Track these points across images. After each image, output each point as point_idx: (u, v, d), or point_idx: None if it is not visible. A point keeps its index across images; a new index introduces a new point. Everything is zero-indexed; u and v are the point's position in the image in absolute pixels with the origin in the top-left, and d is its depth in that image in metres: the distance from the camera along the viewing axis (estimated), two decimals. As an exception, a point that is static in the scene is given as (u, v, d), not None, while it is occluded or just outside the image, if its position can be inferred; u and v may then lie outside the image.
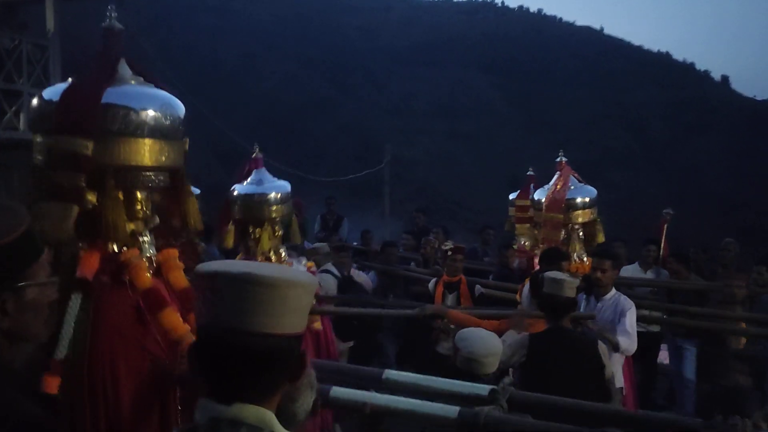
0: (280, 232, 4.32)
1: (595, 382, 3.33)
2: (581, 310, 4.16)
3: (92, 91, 2.38)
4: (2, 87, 8.44)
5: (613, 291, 4.31)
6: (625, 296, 4.36)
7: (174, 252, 2.56)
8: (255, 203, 4.26)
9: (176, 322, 2.34)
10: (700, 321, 5.07)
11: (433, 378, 2.54)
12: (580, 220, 5.17)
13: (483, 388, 2.39)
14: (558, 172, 5.48)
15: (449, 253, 5.52)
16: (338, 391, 2.32)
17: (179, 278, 2.51)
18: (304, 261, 5.06)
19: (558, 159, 5.61)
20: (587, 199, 5.26)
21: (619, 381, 4.01)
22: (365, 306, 5.22)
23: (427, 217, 9.75)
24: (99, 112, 2.33)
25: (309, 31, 36.57)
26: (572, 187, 5.29)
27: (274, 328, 1.15)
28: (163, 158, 2.44)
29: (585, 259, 5.02)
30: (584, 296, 4.40)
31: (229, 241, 4.34)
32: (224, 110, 21.94)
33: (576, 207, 5.19)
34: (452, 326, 4.92)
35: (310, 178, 16.15)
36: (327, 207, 9.63)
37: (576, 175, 5.52)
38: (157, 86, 2.53)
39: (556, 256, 4.40)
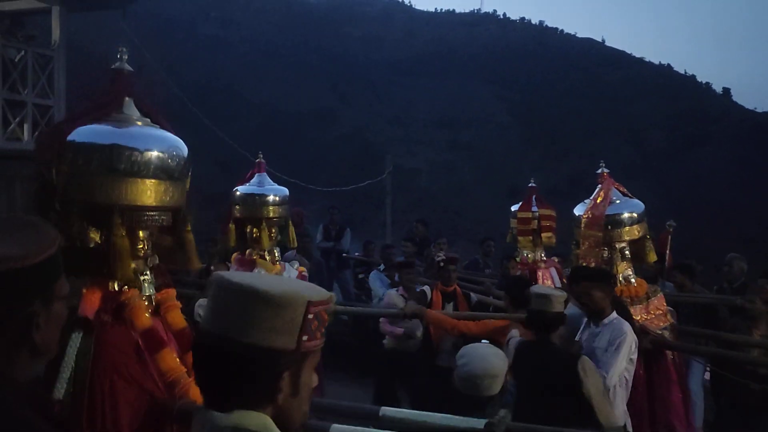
0: (277, 235, 4.58)
1: (570, 396, 3.28)
2: (580, 333, 4.04)
3: (70, 122, 2.43)
4: (7, 97, 8.46)
5: (613, 314, 3.99)
6: (624, 321, 4.01)
7: (172, 292, 2.60)
8: (254, 202, 4.56)
9: (173, 363, 2.38)
10: (711, 342, 4.87)
11: (429, 414, 2.57)
12: (626, 237, 4.66)
13: (478, 422, 2.41)
14: (599, 185, 4.98)
15: (442, 264, 5.54)
16: (338, 429, 2.33)
17: (177, 318, 2.55)
18: (296, 265, 5.30)
19: (599, 171, 5.13)
20: (634, 215, 4.73)
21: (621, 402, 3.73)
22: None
23: (428, 227, 9.76)
24: (61, 145, 2.38)
25: (310, 41, 36.74)
26: (617, 201, 4.78)
27: (247, 338, 1.17)
28: (167, 198, 2.49)
29: (633, 280, 4.59)
30: (585, 319, 4.12)
31: (232, 240, 4.59)
32: (225, 119, 21.99)
33: (621, 223, 4.68)
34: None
35: (311, 187, 16.15)
36: (329, 217, 9.64)
37: (621, 187, 5.03)
38: (163, 128, 2.57)
39: (583, 276, 4.02)
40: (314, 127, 30.72)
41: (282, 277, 4.24)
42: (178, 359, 2.41)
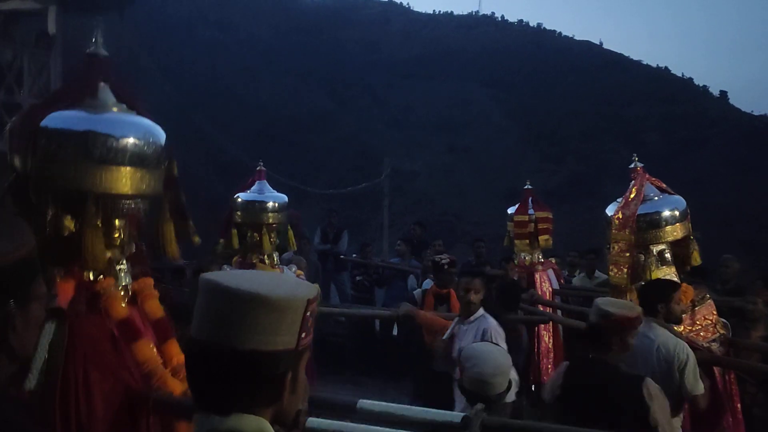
0: (276, 240, 4.80)
1: (633, 423, 2.86)
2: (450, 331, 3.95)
3: (41, 108, 2.39)
4: (3, 99, 8.45)
5: (480, 311, 4.03)
6: (492, 318, 4.05)
7: (149, 281, 2.56)
8: (255, 209, 4.77)
9: (149, 354, 2.34)
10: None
11: (407, 407, 2.58)
12: (668, 238, 4.18)
13: (456, 416, 2.41)
14: (632, 181, 4.51)
15: (446, 267, 5.51)
16: (314, 422, 2.30)
17: (154, 307, 2.51)
18: (294, 268, 5.43)
19: (632, 165, 4.64)
20: (676, 213, 4.24)
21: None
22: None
23: (426, 229, 9.77)
24: (33, 127, 2.33)
25: (308, 45, 36.75)
26: (655, 198, 4.32)
27: (243, 343, 1.15)
28: (144, 186, 2.44)
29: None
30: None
31: (235, 243, 4.79)
32: (223, 123, 22.00)
33: (660, 223, 4.18)
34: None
35: (309, 190, 16.16)
36: (327, 219, 9.64)
37: (658, 182, 4.54)
38: (139, 113, 2.52)
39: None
40: (312, 131, 30.70)
41: (274, 275, 4.25)
42: (155, 350, 2.37)
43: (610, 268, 4.22)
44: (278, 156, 24.01)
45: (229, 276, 1.24)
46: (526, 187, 6.73)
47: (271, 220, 4.78)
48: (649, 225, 4.17)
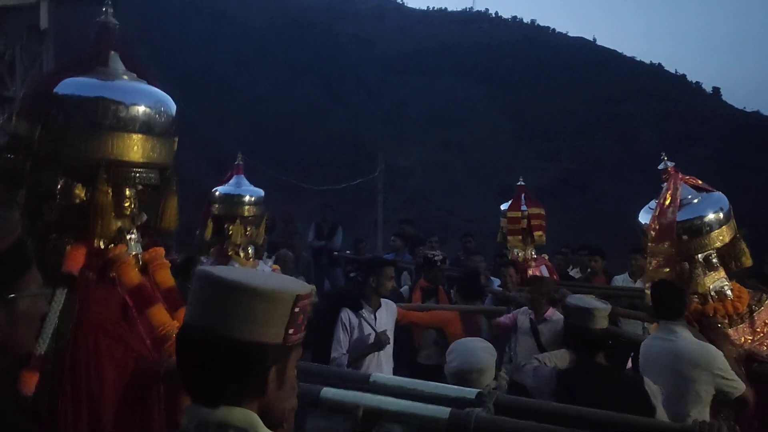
0: (253, 234, 4.97)
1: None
2: None
3: (54, 77, 2.37)
4: (-5, 92, 8.39)
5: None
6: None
7: (160, 251, 2.55)
8: (232, 201, 4.96)
9: (165, 318, 2.33)
10: None
11: (420, 381, 2.57)
12: (716, 244, 3.75)
13: (470, 392, 2.40)
14: (664, 184, 4.00)
15: (439, 264, 5.60)
16: (329, 392, 2.32)
17: (165, 277, 2.50)
18: (270, 262, 5.62)
19: (661, 166, 4.16)
20: (720, 214, 3.79)
21: None
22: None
23: (418, 225, 9.79)
24: (51, 95, 2.31)
25: (302, 39, 36.60)
26: (694, 201, 3.85)
27: (235, 333, 1.16)
28: (154, 155, 2.43)
29: (729, 291, 3.69)
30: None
31: (208, 234, 4.99)
32: (217, 117, 21.91)
33: (704, 229, 3.72)
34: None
35: (303, 186, 16.13)
36: (322, 215, 9.64)
37: (693, 180, 4.06)
38: (149, 83, 2.52)
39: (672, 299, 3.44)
40: (306, 126, 30.61)
41: (266, 271, 4.27)
42: (169, 315, 2.37)
43: (647, 286, 3.80)
44: (272, 150, 23.94)
45: (224, 268, 1.27)
46: (519, 183, 6.74)
47: (246, 213, 4.95)
48: (691, 233, 3.70)
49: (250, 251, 4.98)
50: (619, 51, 46.44)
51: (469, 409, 2.21)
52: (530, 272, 6.21)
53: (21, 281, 1.30)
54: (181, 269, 5.18)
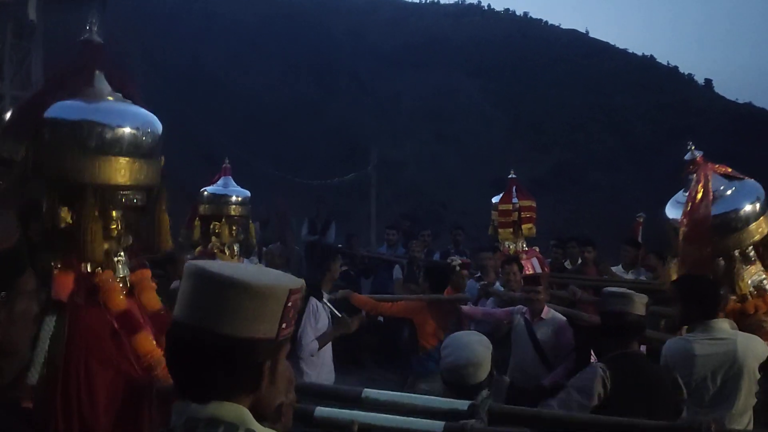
0: (239, 233, 5.13)
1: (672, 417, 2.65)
2: None
3: (41, 97, 2.35)
4: (-16, 90, 8.34)
5: None
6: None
7: (147, 272, 2.55)
8: (219, 201, 5.14)
9: (150, 346, 2.33)
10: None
11: (412, 395, 2.59)
12: (756, 237, 3.44)
13: (462, 403, 2.41)
14: (693, 175, 3.65)
15: (458, 269, 5.52)
16: (323, 411, 2.32)
17: (152, 300, 2.50)
18: (255, 260, 5.85)
19: (688, 156, 3.80)
20: (757, 205, 3.45)
21: None
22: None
23: (412, 219, 9.81)
24: (36, 118, 2.30)
25: (295, 33, 36.47)
26: (727, 192, 3.52)
27: (226, 329, 1.16)
28: (141, 177, 2.42)
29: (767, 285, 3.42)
30: None
31: (196, 233, 5.13)
32: (210, 113, 21.84)
33: (741, 222, 3.41)
34: None
35: (296, 180, 16.10)
36: (315, 210, 9.62)
37: (724, 168, 3.70)
38: (135, 103, 2.50)
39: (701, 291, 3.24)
40: (299, 120, 30.55)
41: (257, 266, 4.30)
42: (154, 342, 2.37)
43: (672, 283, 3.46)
44: (264, 145, 23.90)
45: (215, 264, 1.25)
46: (510, 176, 6.74)
47: (233, 212, 5.15)
48: (727, 229, 3.40)
49: (235, 249, 5.15)
50: (612, 43, 46.58)
51: (463, 421, 2.21)
52: (525, 269, 6.20)
53: (19, 281, 1.32)
54: (162, 266, 5.27)
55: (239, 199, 5.23)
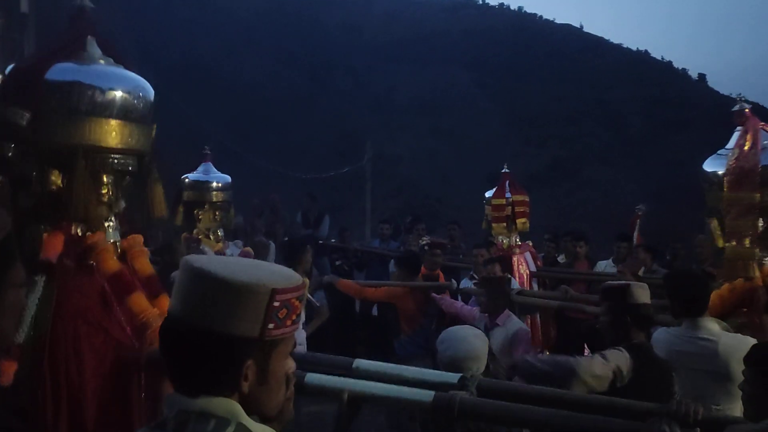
0: (220, 217, 5.30)
1: None
2: None
3: (39, 63, 2.33)
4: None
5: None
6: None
7: (139, 238, 2.53)
8: (201, 188, 5.32)
9: (145, 305, 2.33)
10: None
11: (403, 366, 2.60)
12: None
13: (452, 376, 2.42)
14: (738, 128, 3.74)
15: (427, 248, 5.70)
16: (313, 377, 2.35)
17: (144, 265, 2.49)
18: (240, 243, 6.02)
19: (736, 107, 3.91)
20: None
21: None
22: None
23: (406, 212, 9.82)
24: (40, 83, 2.28)
25: (289, 26, 36.33)
26: None
27: (217, 326, 1.15)
28: (132, 141, 2.41)
29: None
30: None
31: (179, 220, 5.27)
32: (203, 105, 21.71)
33: None
34: None
35: (290, 174, 16.06)
36: (306, 204, 9.63)
37: (765, 126, 3.73)
38: (127, 68, 2.48)
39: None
40: (294, 113, 30.45)
41: (251, 262, 4.27)
42: (148, 302, 2.35)
43: (725, 241, 3.45)
44: (259, 138, 23.82)
45: (205, 258, 1.25)
46: (503, 170, 6.75)
47: (214, 198, 5.31)
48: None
49: (219, 233, 5.31)
50: (606, 38, 46.54)
51: (453, 392, 2.24)
52: (514, 260, 6.20)
53: (8, 273, 1.31)
54: (161, 255, 5.30)
55: (220, 185, 5.39)
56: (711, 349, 3.09)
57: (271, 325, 1.18)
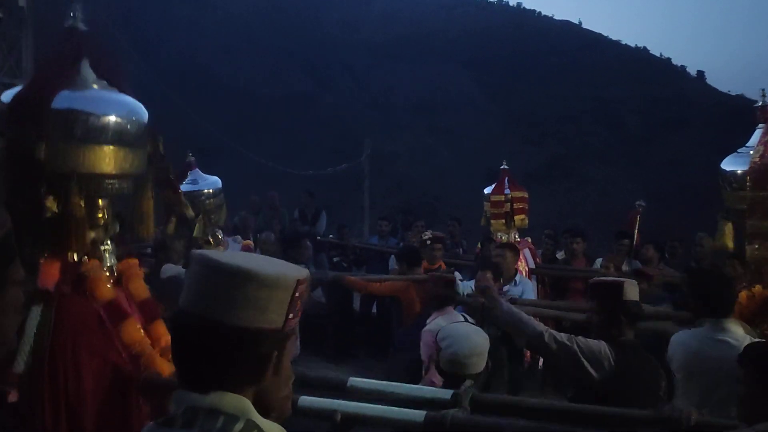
0: (215, 220, 5.30)
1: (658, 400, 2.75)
2: None
3: (42, 90, 2.32)
4: (-28, 78, 8.25)
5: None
6: None
7: (134, 261, 2.54)
8: (192, 198, 5.06)
9: (137, 335, 2.33)
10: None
11: (397, 384, 2.62)
12: None
13: (445, 392, 2.44)
14: (761, 125, 3.58)
15: (428, 242, 5.75)
16: (307, 400, 2.34)
17: (140, 288, 2.49)
18: (239, 239, 6.03)
19: (759, 103, 3.73)
20: None
21: None
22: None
23: (407, 213, 9.86)
24: (48, 114, 2.27)
25: (288, 25, 36.30)
26: None
27: (233, 319, 1.15)
28: (127, 165, 2.40)
29: None
30: None
31: (170, 229, 4.99)
32: (201, 104, 21.70)
33: None
34: None
35: (289, 171, 16.05)
36: (304, 200, 9.64)
37: None
38: (121, 90, 2.47)
39: None
40: (292, 111, 30.44)
41: (262, 256, 4.32)
42: (141, 330, 2.36)
43: (750, 238, 3.25)
44: (257, 136, 23.82)
45: (224, 253, 1.25)
46: (502, 167, 6.75)
47: (208, 207, 5.32)
48: None
49: (219, 235, 5.35)
50: (605, 35, 46.54)
51: (444, 411, 2.25)
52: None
53: (8, 271, 1.31)
54: (156, 253, 5.34)
55: (211, 191, 5.40)
56: (734, 353, 2.86)
57: (290, 316, 1.20)
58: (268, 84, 32.00)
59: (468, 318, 3.99)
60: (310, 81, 34.68)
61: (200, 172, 5.49)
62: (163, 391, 2.19)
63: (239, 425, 1.13)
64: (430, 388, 2.65)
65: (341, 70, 36.48)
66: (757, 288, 3.25)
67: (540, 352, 3.05)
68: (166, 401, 2.20)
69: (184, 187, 5.19)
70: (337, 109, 32.60)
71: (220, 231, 5.41)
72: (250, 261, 1.19)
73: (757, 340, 2.97)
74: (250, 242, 5.86)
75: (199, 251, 1.24)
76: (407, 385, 2.61)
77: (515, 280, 5.63)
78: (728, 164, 3.65)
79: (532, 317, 3.15)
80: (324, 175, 16.84)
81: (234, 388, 1.16)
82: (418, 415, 2.26)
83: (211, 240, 5.20)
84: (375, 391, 2.53)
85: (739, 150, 3.66)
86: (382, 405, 2.38)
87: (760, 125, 3.58)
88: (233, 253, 1.29)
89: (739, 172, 3.54)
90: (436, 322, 3.99)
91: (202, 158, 6.23)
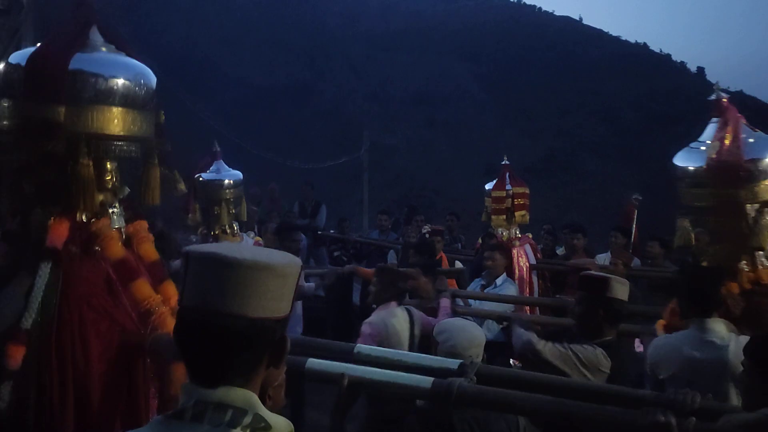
0: (234, 211, 5.53)
1: None
2: None
3: (60, 56, 2.33)
4: (-28, 68, 8.22)
5: None
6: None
7: (144, 224, 2.55)
8: (214, 187, 5.51)
9: (148, 292, 2.34)
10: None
11: (403, 352, 2.65)
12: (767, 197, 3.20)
13: (452, 362, 2.45)
14: (716, 118, 3.47)
15: (428, 235, 5.83)
16: (314, 363, 2.37)
17: (149, 251, 2.51)
18: (252, 235, 6.24)
19: (713, 96, 3.63)
20: None
21: None
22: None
23: (403, 203, 9.87)
24: (66, 77, 2.29)
25: (287, 16, 36.18)
26: (750, 140, 3.30)
27: (253, 311, 1.18)
28: (135, 128, 2.42)
29: None
30: None
31: (195, 218, 5.51)
32: (200, 95, 21.64)
33: (763, 174, 3.20)
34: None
35: (288, 164, 16.05)
36: (302, 194, 9.63)
37: (742, 118, 3.47)
38: (129, 55, 2.50)
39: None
40: (291, 103, 30.39)
41: (260, 248, 4.34)
42: (152, 289, 2.38)
43: (714, 238, 3.19)
44: (256, 128, 23.76)
45: (226, 247, 1.25)
46: (503, 162, 6.74)
47: (228, 196, 5.52)
48: (762, 174, 3.15)
49: (235, 227, 5.56)
50: (605, 30, 46.46)
51: (452, 378, 2.26)
52: (514, 252, 6.23)
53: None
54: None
55: (232, 182, 5.62)
56: (721, 356, 2.86)
57: (293, 302, 1.24)
58: (268, 75, 31.93)
59: (413, 312, 3.97)
60: (309, 72, 34.60)
61: (224, 163, 5.72)
62: (172, 351, 2.16)
63: (247, 418, 1.16)
64: (436, 357, 2.62)
65: (340, 63, 36.40)
66: (734, 285, 3.14)
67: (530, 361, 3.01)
68: (174, 362, 2.21)
69: (207, 175, 5.54)
70: (336, 100, 32.55)
71: (237, 224, 5.61)
72: (256, 254, 1.22)
73: (743, 336, 2.92)
74: (260, 239, 6.03)
75: (204, 250, 1.23)
76: (413, 353, 2.61)
77: (495, 283, 5.66)
78: (680, 159, 3.48)
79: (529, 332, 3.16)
80: (323, 167, 16.85)
81: (242, 382, 1.19)
82: (425, 381, 2.26)
83: (228, 230, 5.42)
84: (381, 358, 2.53)
85: (691, 144, 3.52)
86: (388, 371, 2.39)
87: (713, 120, 3.50)
88: (234, 246, 1.29)
89: (691, 168, 3.42)
90: (380, 315, 3.97)
91: (199, 148, 6.25)
